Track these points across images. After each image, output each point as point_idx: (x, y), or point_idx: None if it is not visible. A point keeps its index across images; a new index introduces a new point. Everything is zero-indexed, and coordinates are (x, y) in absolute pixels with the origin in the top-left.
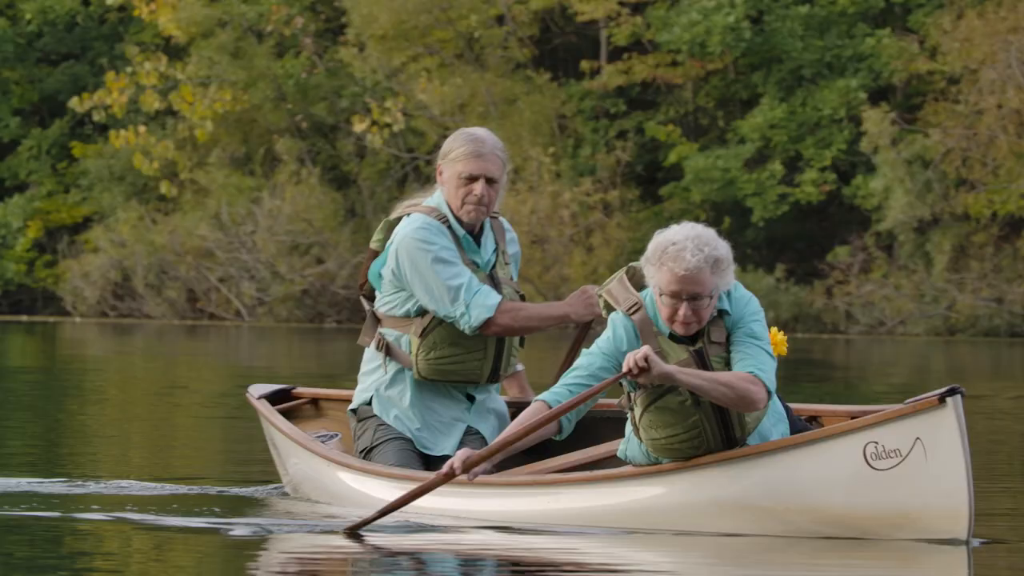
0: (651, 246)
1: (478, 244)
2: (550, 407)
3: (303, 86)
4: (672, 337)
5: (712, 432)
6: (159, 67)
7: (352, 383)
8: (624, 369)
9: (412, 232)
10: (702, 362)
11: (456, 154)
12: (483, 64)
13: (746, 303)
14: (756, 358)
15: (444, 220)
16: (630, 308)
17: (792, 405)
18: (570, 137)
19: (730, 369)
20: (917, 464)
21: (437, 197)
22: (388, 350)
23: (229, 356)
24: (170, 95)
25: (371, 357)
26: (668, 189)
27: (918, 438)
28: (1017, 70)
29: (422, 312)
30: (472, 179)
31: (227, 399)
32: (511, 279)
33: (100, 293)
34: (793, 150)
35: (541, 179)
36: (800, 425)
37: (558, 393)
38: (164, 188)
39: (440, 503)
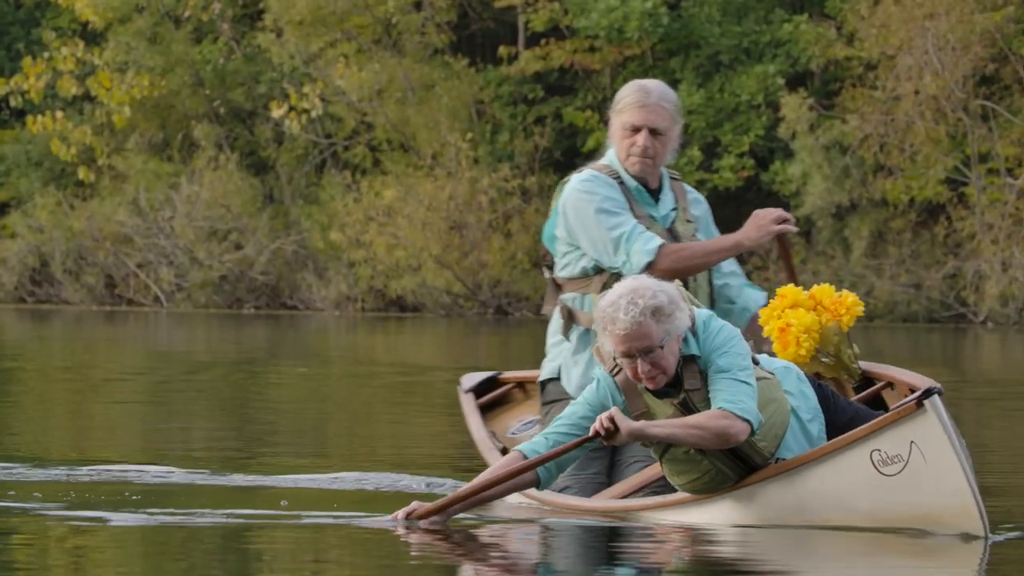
0: (595, 313)
1: (656, 199)
2: (526, 458)
3: (221, 72)
4: (655, 393)
5: (730, 468)
6: (76, 52)
7: (272, 370)
8: (591, 433)
9: (577, 184)
10: (690, 412)
11: (621, 105)
12: (401, 50)
13: (712, 338)
14: (727, 392)
15: (615, 174)
16: (613, 369)
17: (869, 367)
18: (488, 123)
19: None
20: (919, 467)
21: (610, 154)
22: (571, 315)
23: (148, 341)
24: (87, 80)
25: (556, 327)
26: None
27: (912, 442)
28: (934, 56)
29: (600, 268)
30: (635, 130)
31: (146, 383)
32: (694, 236)
33: (18, 279)
34: (711, 136)
35: (459, 165)
36: (846, 415)
37: (537, 444)
38: (82, 174)
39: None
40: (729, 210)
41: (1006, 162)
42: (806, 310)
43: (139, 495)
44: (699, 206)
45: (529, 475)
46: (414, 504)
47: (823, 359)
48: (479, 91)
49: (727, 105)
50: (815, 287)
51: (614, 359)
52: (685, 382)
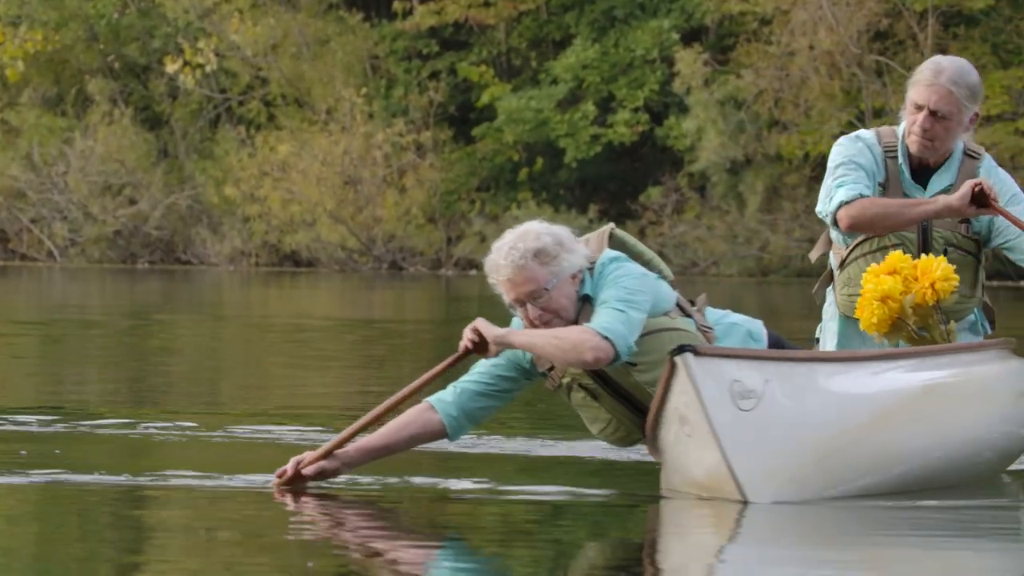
0: (485, 266)
1: (925, 180)
2: (435, 410)
3: (115, 26)
4: None
5: (629, 419)
6: None
7: (161, 322)
8: (461, 350)
9: (838, 140)
10: None
11: (914, 79)
12: (295, 5)
13: (605, 276)
14: (597, 316)
15: (891, 146)
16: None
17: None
18: (383, 78)
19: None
20: (695, 426)
21: (902, 125)
22: (829, 277)
23: (42, 296)
24: None
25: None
26: (481, 130)
27: (684, 401)
28: (828, 11)
29: (846, 240)
30: (918, 108)
31: (38, 337)
32: (961, 222)
33: None
34: (606, 91)
35: (354, 120)
36: None
37: (446, 393)
38: None
39: None
40: (625, 164)
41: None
42: (903, 279)
43: (27, 451)
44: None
45: (436, 426)
46: (305, 454)
47: (915, 333)
48: (374, 46)
49: (622, 60)
50: (924, 258)
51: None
52: (580, 323)
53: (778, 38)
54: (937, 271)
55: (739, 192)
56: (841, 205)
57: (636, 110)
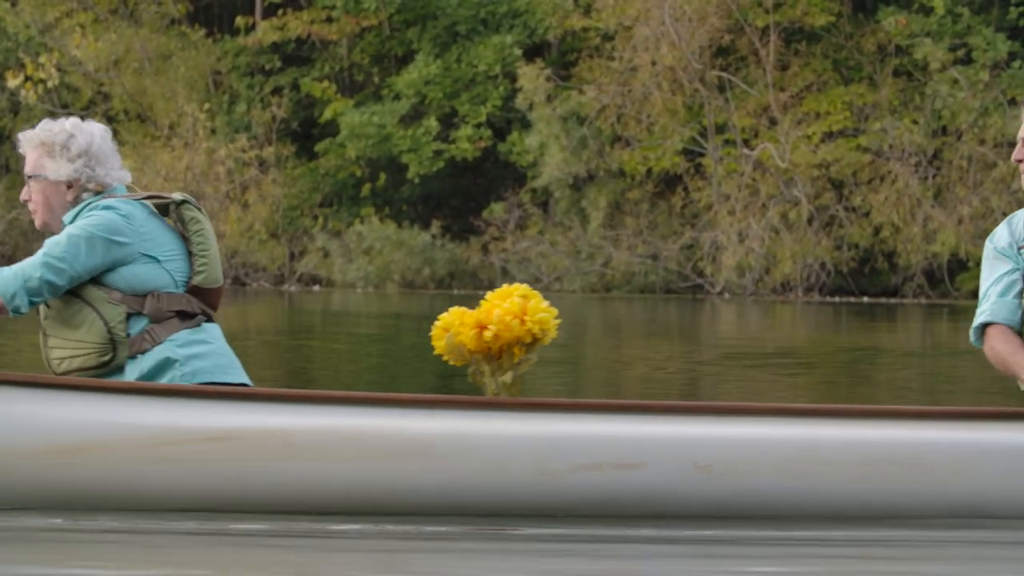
0: None
1: None
2: None
3: None
4: None
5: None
6: None
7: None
8: None
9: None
10: None
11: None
12: (138, 20)
13: (86, 209)
14: (23, 262)
15: None
16: None
17: None
18: (225, 93)
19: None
20: None
21: None
22: None
23: None
24: None
25: None
26: (324, 145)
27: None
28: (671, 27)
29: None
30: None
31: None
32: None
33: None
34: (448, 106)
35: (196, 135)
36: None
37: None
38: None
39: None
40: (467, 180)
41: (742, 133)
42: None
43: None
44: None
45: None
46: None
47: (474, 376)
48: (216, 61)
49: (464, 75)
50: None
51: None
52: None
53: (620, 54)
54: (538, 311)
55: (582, 208)
56: (978, 332)
57: (479, 126)
